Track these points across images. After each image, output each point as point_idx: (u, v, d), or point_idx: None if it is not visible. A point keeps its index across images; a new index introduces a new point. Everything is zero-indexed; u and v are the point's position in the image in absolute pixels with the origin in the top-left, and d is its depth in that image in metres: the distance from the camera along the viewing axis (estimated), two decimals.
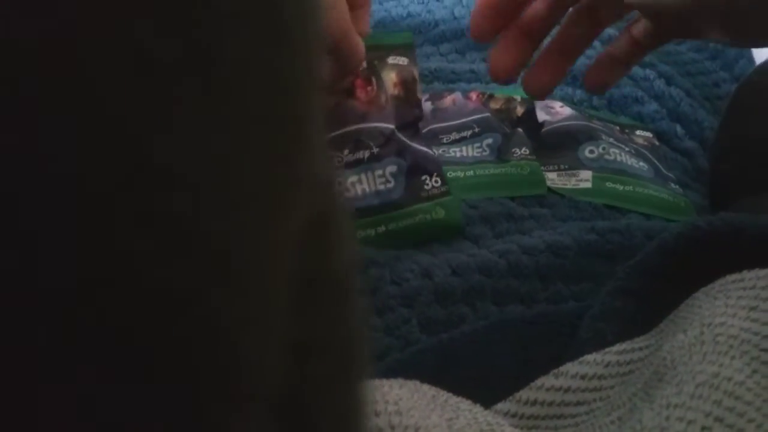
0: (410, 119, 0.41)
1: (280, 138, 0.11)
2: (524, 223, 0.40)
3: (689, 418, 0.22)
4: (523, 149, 0.41)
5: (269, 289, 0.11)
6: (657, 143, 0.48)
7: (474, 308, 0.35)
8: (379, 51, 0.40)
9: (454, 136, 0.42)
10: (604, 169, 0.43)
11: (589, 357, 0.27)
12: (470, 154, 0.41)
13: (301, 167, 0.11)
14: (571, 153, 0.44)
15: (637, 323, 0.29)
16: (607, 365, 0.26)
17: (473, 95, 0.45)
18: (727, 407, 0.23)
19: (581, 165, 0.43)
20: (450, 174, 0.39)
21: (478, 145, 0.41)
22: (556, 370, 0.27)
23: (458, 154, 0.41)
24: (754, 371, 0.24)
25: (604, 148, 0.43)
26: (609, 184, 0.42)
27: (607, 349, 0.27)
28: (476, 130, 0.42)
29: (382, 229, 0.37)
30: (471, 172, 0.40)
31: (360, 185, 0.37)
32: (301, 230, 0.12)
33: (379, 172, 0.38)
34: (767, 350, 0.24)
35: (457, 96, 0.45)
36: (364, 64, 0.39)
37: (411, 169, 0.38)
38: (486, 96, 0.46)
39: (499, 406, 0.26)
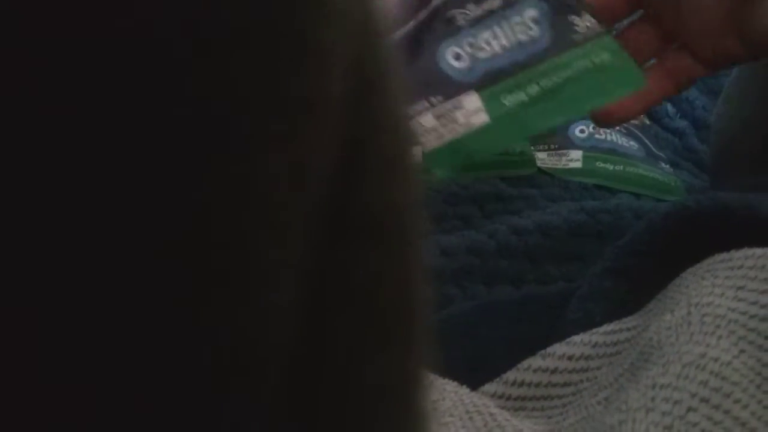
0: None
1: None
2: (513, 203, 0.40)
3: (675, 398, 0.22)
4: (586, 17, 0.31)
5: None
6: (648, 122, 0.48)
7: (463, 289, 0.35)
8: None
9: (474, 10, 0.31)
10: (595, 149, 0.43)
11: (576, 338, 0.27)
12: (511, 39, 0.31)
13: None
14: (561, 132, 0.43)
15: (625, 304, 0.29)
16: (594, 346, 0.26)
17: None
18: (714, 387, 0.23)
19: (571, 144, 0.43)
20: (504, 96, 0.30)
21: (518, 20, 0.31)
22: (543, 351, 0.27)
23: (495, 45, 0.31)
24: (741, 351, 0.24)
25: (594, 128, 0.43)
26: (599, 164, 0.42)
27: (594, 330, 0.27)
28: None
29: (534, 88, 0.30)
30: (534, 87, 0.30)
31: (496, 41, 0.30)
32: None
33: (517, 19, 0.31)
34: (754, 330, 0.24)
35: None
36: None
37: (554, 11, 0.31)
38: None
39: (486, 387, 0.26)
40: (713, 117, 0.44)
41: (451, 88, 0.30)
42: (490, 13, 0.31)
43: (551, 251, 0.36)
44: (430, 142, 0.30)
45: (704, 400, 0.22)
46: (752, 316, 0.25)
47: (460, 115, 0.30)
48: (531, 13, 0.31)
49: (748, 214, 0.29)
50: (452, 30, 0.31)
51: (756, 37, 0.29)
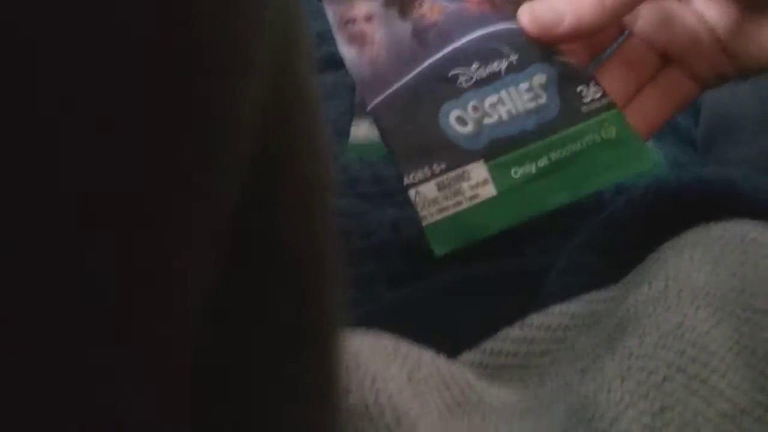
0: None
1: None
2: None
3: (651, 367, 0.22)
4: (593, 87, 0.29)
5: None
6: None
7: (440, 265, 0.35)
8: None
9: (477, 71, 0.29)
10: None
11: (555, 308, 0.27)
12: (519, 106, 0.29)
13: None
14: None
15: (604, 277, 0.29)
16: (572, 316, 0.26)
17: None
18: (691, 357, 0.23)
19: None
20: (514, 168, 0.28)
21: (526, 86, 0.29)
22: (521, 321, 0.26)
23: (502, 112, 0.29)
24: (720, 321, 0.24)
25: None
26: None
27: (572, 300, 0.27)
28: (512, 58, 0.29)
29: (544, 161, 0.28)
30: (544, 160, 0.28)
31: (503, 107, 0.28)
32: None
33: (525, 85, 0.28)
34: (732, 301, 0.24)
35: None
36: None
37: (562, 79, 0.29)
38: None
39: (465, 356, 0.26)
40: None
41: (455, 155, 0.28)
42: (495, 76, 0.29)
43: (531, 227, 0.36)
44: (432, 215, 0.28)
45: (681, 370, 0.22)
46: (731, 288, 0.25)
47: (466, 187, 0.28)
48: (539, 79, 0.29)
49: (728, 189, 0.29)
50: (454, 91, 0.28)
51: (748, 62, 0.29)
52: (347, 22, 0.29)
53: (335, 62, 0.50)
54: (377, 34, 0.29)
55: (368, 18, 0.29)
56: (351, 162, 0.41)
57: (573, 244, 0.30)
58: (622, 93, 0.31)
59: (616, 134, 0.29)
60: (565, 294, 0.28)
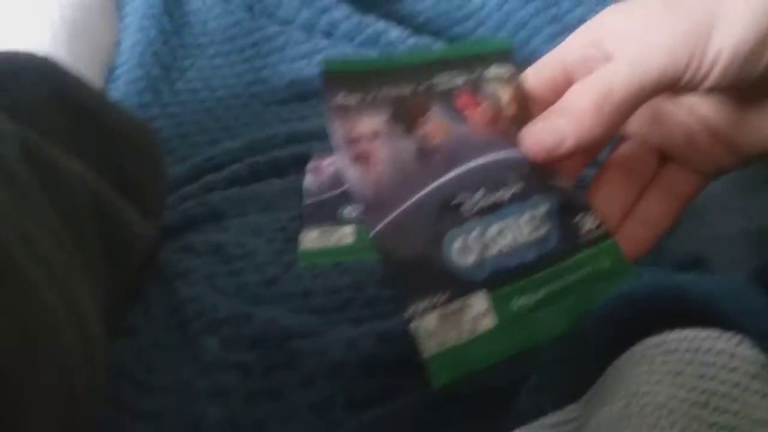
0: None
1: None
2: None
3: None
4: (590, 216, 0.29)
5: None
6: None
7: (401, 380, 0.34)
8: (477, 61, 0.30)
9: (482, 199, 0.29)
10: None
11: (523, 429, 0.26)
12: (521, 238, 0.29)
13: None
14: None
15: (571, 391, 0.28)
16: None
17: (465, 99, 0.30)
18: None
19: None
20: (514, 299, 0.28)
21: (528, 216, 0.29)
22: None
23: (503, 243, 0.28)
24: None
25: None
26: None
27: (540, 422, 0.26)
28: (517, 186, 0.29)
29: (542, 293, 0.28)
30: (543, 291, 0.28)
31: (504, 238, 0.28)
32: None
33: (527, 216, 0.28)
34: (696, 418, 0.24)
35: (437, 111, 0.29)
36: (464, 77, 0.30)
37: (562, 209, 0.29)
38: (486, 105, 0.30)
39: None
40: None
41: (458, 285, 0.27)
42: (499, 205, 0.28)
43: None
44: (431, 348, 0.26)
45: None
46: (693, 403, 0.24)
47: (466, 319, 0.27)
48: (541, 210, 0.28)
49: (680, 296, 0.30)
50: (458, 219, 0.28)
51: (750, 150, 0.29)
52: (352, 140, 0.28)
53: (282, 168, 0.50)
54: (381, 152, 0.28)
55: (373, 136, 0.28)
56: (303, 273, 0.40)
57: (543, 359, 0.30)
58: (623, 199, 0.31)
59: (610, 265, 0.29)
60: (538, 413, 0.27)
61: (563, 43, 0.30)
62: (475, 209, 0.28)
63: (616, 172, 0.31)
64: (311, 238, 0.43)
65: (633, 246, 0.30)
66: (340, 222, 0.46)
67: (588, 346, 0.31)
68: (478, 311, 0.27)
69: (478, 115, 0.29)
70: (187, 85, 0.56)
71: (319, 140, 0.51)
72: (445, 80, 0.30)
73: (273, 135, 0.50)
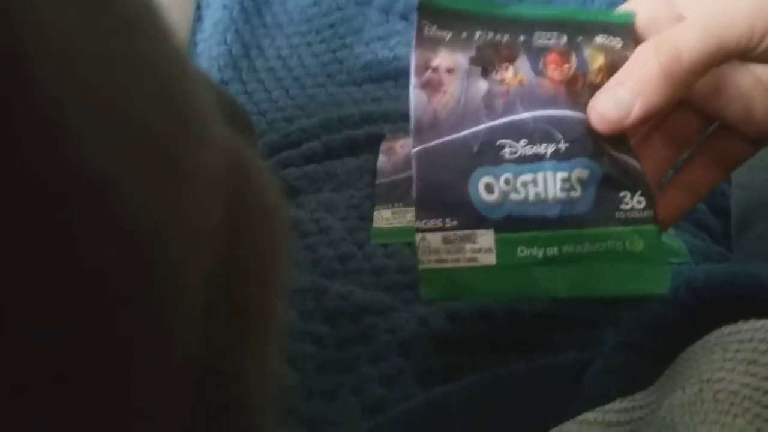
0: None
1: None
2: None
3: None
4: (638, 197, 0.28)
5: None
6: None
7: (471, 357, 0.35)
8: (587, 27, 0.30)
9: (523, 147, 0.29)
10: None
11: (590, 415, 0.27)
12: (549, 193, 0.28)
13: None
14: None
15: (639, 378, 0.29)
16: (608, 425, 0.26)
17: (554, 57, 0.29)
18: None
19: None
20: (521, 247, 0.28)
21: (564, 176, 0.28)
22: (556, 429, 0.26)
23: (531, 192, 0.28)
24: (758, 430, 0.23)
25: None
26: None
27: (608, 407, 0.27)
28: (561, 146, 0.28)
29: (554, 251, 0.28)
30: (554, 249, 0.28)
31: (534, 187, 0.28)
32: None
33: (563, 174, 0.28)
34: None
35: (523, 62, 0.29)
36: (564, 39, 0.29)
37: (606, 180, 0.28)
38: (573, 66, 0.29)
39: None
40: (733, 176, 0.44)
41: (470, 217, 0.28)
42: (538, 157, 0.28)
43: (560, 317, 0.36)
44: (429, 262, 0.29)
45: None
46: (766, 392, 0.24)
47: (468, 248, 0.28)
48: (580, 173, 0.28)
49: (757, 285, 0.29)
50: (495, 159, 0.28)
51: None
52: (428, 68, 0.29)
53: (357, 146, 0.51)
54: (452, 87, 0.29)
55: (450, 70, 0.29)
56: (375, 251, 0.42)
57: (608, 344, 0.30)
58: (662, 162, 0.30)
59: (642, 250, 0.28)
60: (604, 397, 0.27)
61: None
62: (515, 155, 0.28)
63: (660, 136, 0.30)
64: (384, 217, 0.44)
65: (671, 209, 0.30)
66: (412, 202, 0.47)
67: (658, 333, 0.31)
68: (482, 246, 0.28)
69: (557, 73, 0.29)
70: (266, 64, 0.57)
71: (393, 122, 0.52)
72: (545, 38, 0.30)
73: (348, 114, 0.51)
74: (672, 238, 0.43)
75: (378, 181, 0.47)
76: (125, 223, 0.11)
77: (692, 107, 0.30)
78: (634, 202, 0.28)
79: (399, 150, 0.48)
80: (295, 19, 0.60)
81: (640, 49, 0.27)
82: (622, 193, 0.28)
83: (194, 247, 0.13)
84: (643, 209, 0.28)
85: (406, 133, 0.49)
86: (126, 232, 0.11)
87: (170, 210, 0.12)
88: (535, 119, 0.29)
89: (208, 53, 0.58)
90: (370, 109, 0.52)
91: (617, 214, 0.28)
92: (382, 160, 0.48)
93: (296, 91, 0.55)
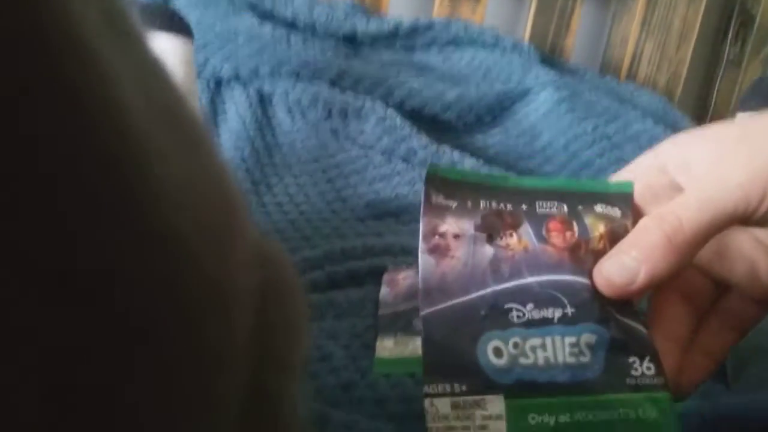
0: None
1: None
2: None
3: None
4: (647, 363, 0.28)
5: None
6: None
7: None
8: (587, 197, 0.31)
9: (531, 312, 0.29)
10: None
11: None
12: (559, 358, 0.28)
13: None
14: None
15: None
16: None
17: (556, 224, 0.31)
18: None
19: None
20: (532, 414, 0.27)
21: (572, 340, 0.28)
22: None
23: (540, 357, 0.28)
24: None
25: None
26: None
27: None
28: (568, 310, 0.29)
29: (566, 418, 0.27)
30: (566, 416, 0.27)
31: (543, 352, 0.28)
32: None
33: (572, 339, 0.28)
34: None
35: (527, 229, 0.31)
36: (564, 208, 0.31)
37: (615, 345, 0.28)
38: (575, 233, 0.30)
39: None
40: None
41: (479, 382, 0.28)
42: (546, 322, 0.28)
43: None
44: (439, 429, 0.27)
45: None
46: None
47: (479, 415, 0.27)
48: (588, 338, 0.28)
49: (765, 418, 0.29)
50: (503, 323, 0.29)
51: None
52: (436, 234, 0.30)
53: (359, 277, 0.52)
54: (459, 251, 0.30)
55: (456, 236, 0.30)
56: (378, 380, 0.41)
57: None
58: (683, 330, 0.30)
59: (656, 418, 0.27)
60: None
61: (628, 167, 0.31)
62: (523, 320, 0.29)
63: (675, 297, 0.31)
64: (386, 347, 0.44)
65: (692, 374, 0.30)
66: (415, 333, 0.47)
67: None
68: (492, 413, 0.27)
69: (560, 239, 0.30)
70: (273, 199, 0.60)
71: (394, 255, 0.53)
72: (547, 206, 0.31)
73: (351, 247, 0.53)
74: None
75: (380, 312, 0.47)
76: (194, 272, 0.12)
77: (700, 271, 0.31)
78: (643, 368, 0.28)
79: (401, 281, 0.49)
80: (302, 159, 0.63)
81: (644, 220, 0.28)
82: (631, 359, 0.28)
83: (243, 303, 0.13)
84: (654, 375, 0.28)
85: (408, 265, 0.50)
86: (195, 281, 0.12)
87: (226, 267, 0.13)
88: (541, 284, 0.29)
89: None
90: (372, 243, 0.53)
91: (628, 380, 0.28)
92: (384, 291, 0.49)
93: (302, 224, 0.56)
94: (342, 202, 0.60)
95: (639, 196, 0.30)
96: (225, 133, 0.67)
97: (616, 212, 0.31)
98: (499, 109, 0.72)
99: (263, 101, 0.69)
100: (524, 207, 0.31)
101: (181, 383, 0.12)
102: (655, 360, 0.28)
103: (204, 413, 0.12)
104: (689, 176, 0.29)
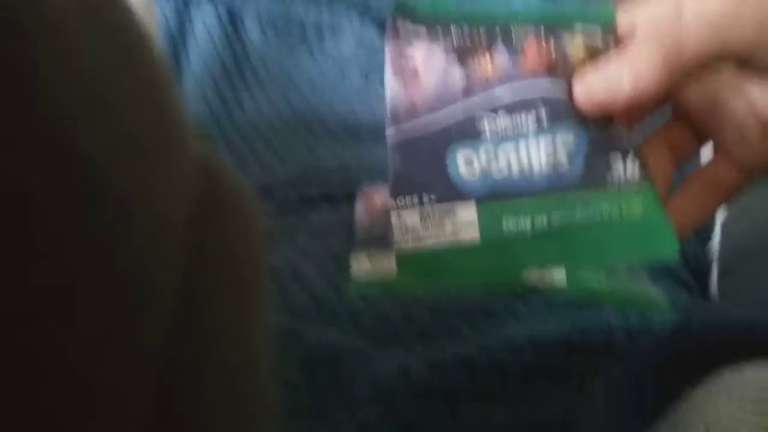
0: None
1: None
2: (501, 318, 0.39)
3: None
4: (630, 160, 0.26)
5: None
6: None
7: (452, 407, 0.33)
8: (567, 19, 0.29)
9: (503, 119, 0.27)
10: None
11: None
12: (534, 165, 0.26)
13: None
14: None
15: (632, 428, 0.27)
16: None
17: (532, 45, 0.29)
18: None
19: None
20: (506, 218, 0.26)
21: (548, 144, 0.27)
22: None
23: (514, 164, 0.27)
24: None
25: None
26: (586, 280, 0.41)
27: None
28: (543, 113, 0.27)
29: (542, 220, 0.25)
30: (543, 218, 0.26)
31: (517, 159, 0.26)
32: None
33: (547, 143, 0.26)
34: None
35: (501, 50, 0.28)
36: (542, 30, 0.28)
37: (595, 145, 0.26)
38: (553, 53, 0.28)
39: None
40: (719, 225, 0.44)
41: (448, 191, 0.26)
42: (519, 128, 0.27)
43: (545, 369, 0.35)
44: (407, 242, 0.26)
45: None
46: None
47: (448, 223, 0.26)
48: (566, 140, 0.26)
49: (750, 329, 0.28)
50: (473, 133, 0.27)
51: None
52: (403, 56, 0.28)
53: (333, 198, 0.50)
54: (428, 74, 0.28)
55: (425, 59, 0.28)
56: (352, 299, 0.40)
57: (599, 394, 0.28)
58: (660, 173, 0.29)
59: (642, 214, 0.25)
60: None
61: None
62: (495, 128, 0.27)
63: (658, 145, 0.29)
64: (361, 265, 0.43)
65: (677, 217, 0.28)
66: (390, 253, 0.46)
67: (649, 382, 0.29)
68: (463, 219, 0.26)
69: (537, 59, 0.28)
70: (245, 117, 0.57)
71: (371, 177, 0.51)
72: (523, 29, 0.29)
73: (326, 167, 0.51)
74: (654, 291, 0.42)
75: (355, 229, 0.45)
76: (105, 198, 0.11)
77: (689, 123, 0.30)
78: (626, 165, 0.26)
79: (377, 200, 0.47)
80: (275, 76, 0.60)
81: (641, 33, 0.26)
82: (612, 157, 0.26)
83: (168, 233, 0.12)
84: (638, 172, 0.26)
85: (385, 183, 0.49)
86: (105, 208, 0.11)
87: (148, 193, 0.12)
88: (515, 93, 0.27)
89: (192, 111, 0.57)
90: (348, 163, 0.51)
91: (609, 178, 0.26)
92: (360, 211, 0.47)
93: (275, 143, 0.54)
94: (318, 122, 0.57)
95: (646, 25, 0.27)
96: (194, 52, 0.63)
97: (597, 36, 0.28)
98: None
99: (233, 18, 0.65)
100: (498, 29, 0.29)
101: (95, 317, 0.11)
102: (639, 155, 0.26)
103: (131, 348, 0.12)
104: (701, 8, 0.26)
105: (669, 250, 0.26)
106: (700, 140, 0.30)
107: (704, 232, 0.50)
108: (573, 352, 0.36)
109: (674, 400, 0.28)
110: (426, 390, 0.33)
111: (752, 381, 0.25)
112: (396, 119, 0.27)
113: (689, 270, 0.47)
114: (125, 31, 0.13)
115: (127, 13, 0.13)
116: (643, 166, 0.26)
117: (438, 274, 0.26)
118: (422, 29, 0.29)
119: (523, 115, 0.27)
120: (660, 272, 0.48)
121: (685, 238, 0.29)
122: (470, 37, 0.29)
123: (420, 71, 0.28)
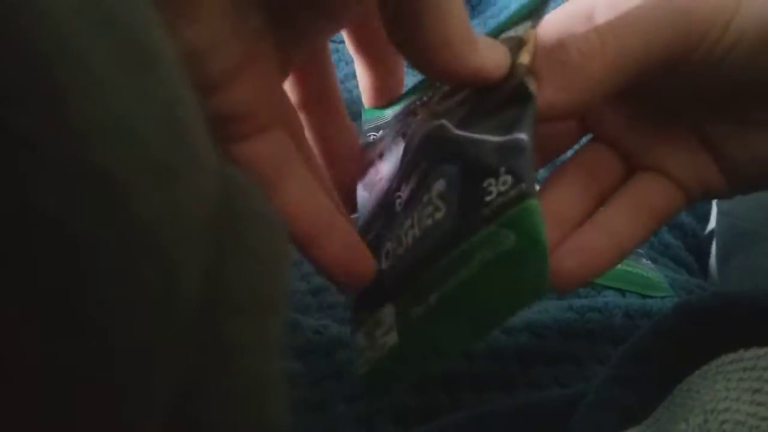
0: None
1: None
2: None
3: None
4: (503, 176, 0.21)
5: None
6: None
7: (452, 395, 0.33)
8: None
9: (405, 192, 0.25)
10: None
11: None
12: (421, 225, 0.23)
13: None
14: None
15: (632, 413, 0.27)
16: None
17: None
18: None
19: None
20: (412, 308, 0.23)
21: (426, 199, 0.23)
22: None
23: (409, 237, 0.24)
24: None
25: None
26: None
27: None
28: (424, 163, 0.24)
29: (434, 296, 0.21)
30: (435, 295, 0.23)
31: (411, 229, 0.23)
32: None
33: (426, 198, 0.23)
34: None
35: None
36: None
37: (466, 175, 0.22)
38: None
39: None
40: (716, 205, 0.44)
41: (378, 298, 0.24)
42: (414, 192, 0.24)
43: (542, 352, 0.35)
44: (361, 366, 0.24)
45: None
46: None
47: (379, 335, 0.23)
48: (439, 186, 0.22)
49: (754, 308, 0.28)
50: (392, 217, 0.25)
51: (740, 170, 0.26)
52: (368, 166, 0.29)
53: None
54: (383, 168, 0.28)
55: (380, 155, 0.28)
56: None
57: (600, 378, 0.28)
58: (581, 204, 0.26)
59: (515, 243, 0.19)
60: None
61: (553, 12, 0.27)
62: (402, 204, 0.24)
63: (576, 172, 0.27)
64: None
65: (595, 259, 0.25)
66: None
67: (650, 364, 0.29)
68: (387, 326, 0.23)
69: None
70: None
71: None
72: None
73: None
74: (652, 272, 0.42)
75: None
76: (129, 218, 0.11)
77: (612, 147, 0.27)
78: (500, 185, 0.21)
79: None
80: None
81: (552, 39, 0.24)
82: (486, 182, 0.21)
83: (191, 250, 0.12)
84: (511, 187, 0.20)
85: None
86: (129, 228, 0.11)
87: (172, 213, 0.12)
88: (407, 149, 0.26)
89: None
90: None
91: (483, 212, 0.21)
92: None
93: None
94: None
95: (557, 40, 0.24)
96: None
97: (524, 30, 0.25)
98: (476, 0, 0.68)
99: None
100: (432, 91, 0.28)
101: (113, 325, 0.11)
102: (516, 164, 0.21)
103: (147, 361, 0.12)
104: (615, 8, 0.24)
105: (541, 285, 0.20)
106: (627, 165, 0.27)
107: (702, 213, 0.49)
108: (570, 334, 0.36)
109: (674, 384, 0.27)
110: (424, 377, 0.33)
111: (751, 368, 0.25)
112: (362, 232, 0.27)
113: (688, 248, 0.47)
114: (149, 46, 0.13)
115: (153, 25, 0.13)
116: (519, 175, 0.21)
117: (388, 382, 0.24)
118: (381, 131, 0.29)
119: (412, 176, 0.25)
120: (659, 252, 0.47)
121: (617, 264, 0.26)
122: (413, 109, 0.28)
123: (379, 173, 0.28)
